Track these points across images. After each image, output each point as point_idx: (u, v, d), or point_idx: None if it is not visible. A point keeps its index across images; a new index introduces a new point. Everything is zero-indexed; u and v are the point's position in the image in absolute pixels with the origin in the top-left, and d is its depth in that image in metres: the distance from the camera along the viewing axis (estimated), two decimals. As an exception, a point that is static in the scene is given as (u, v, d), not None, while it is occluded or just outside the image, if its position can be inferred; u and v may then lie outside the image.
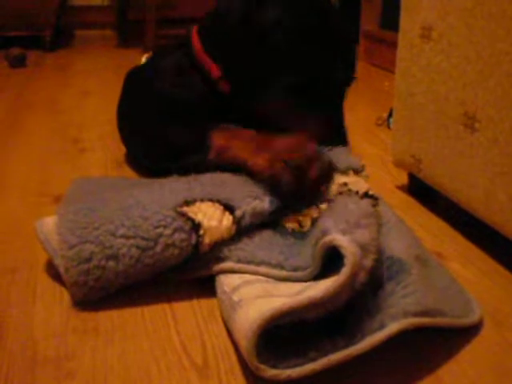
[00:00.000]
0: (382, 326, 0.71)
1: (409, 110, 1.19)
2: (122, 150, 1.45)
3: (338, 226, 0.73)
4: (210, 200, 0.88)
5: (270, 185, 0.92)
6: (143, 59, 1.78)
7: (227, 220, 0.86)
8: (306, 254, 0.81)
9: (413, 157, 1.19)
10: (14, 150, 1.51)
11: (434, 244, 1.06)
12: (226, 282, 0.82)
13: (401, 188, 1.31)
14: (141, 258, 0.83)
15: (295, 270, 0.81)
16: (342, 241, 0.71)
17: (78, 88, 2.22)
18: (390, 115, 1.63)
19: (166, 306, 0.86)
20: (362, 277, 0.71)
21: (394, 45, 1.28)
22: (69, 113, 1.89)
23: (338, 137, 1.08)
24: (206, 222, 0.84)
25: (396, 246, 0.84)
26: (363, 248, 0.72)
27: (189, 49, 1.20)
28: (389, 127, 1.67)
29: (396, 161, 1.27)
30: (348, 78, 1.13)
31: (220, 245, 0.86)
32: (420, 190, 1.24)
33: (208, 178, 0.97)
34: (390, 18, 2.64)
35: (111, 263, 0.82)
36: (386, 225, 0.90)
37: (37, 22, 2.91)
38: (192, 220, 0.84)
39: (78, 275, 0.82)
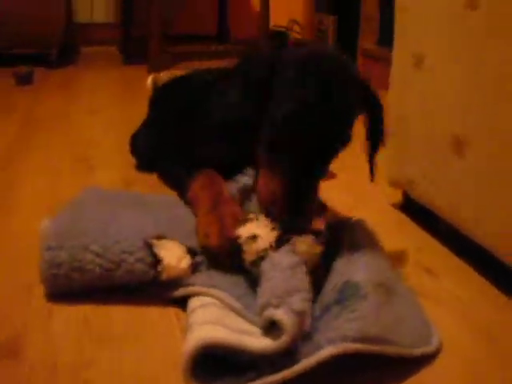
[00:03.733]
0: (318, 349, 0.77)
1: (402, 134, 1.26)
2: (131, 167, 1.51)
3: (272, 301, 0.79)
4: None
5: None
6: (149, 80, 1.85)
7: (185, 263, 0.95)
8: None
9: (406, 177, 1.26)
10: (25, 168, 1.58)
11: (425, 260, 1.13)
12: (189, 304, 0.90)
13: (396, 206, 1.38)
14: (102, 276, 0.94)
15: (247, 307, 0.87)
16: (278, 315, 0.77)
17: (85, 106, 2.29)
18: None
19: (172, 315, 0.94)
20: (299, 337, 0.77)
21: (391, 62, 1.32)
22: (77, 131, 1.96)
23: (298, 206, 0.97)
24: (166, 260, 0.94)
25: (357, 273, 0.89)
26: (299, 314, 0.78)
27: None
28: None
29: (391, 180, 1.34)
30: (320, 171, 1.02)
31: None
32: (414, 209, 1.31)
33: (188, 214, 1.10)
34: (388, 36, 2.72)
35: (76, 275, 0.94)
36: (355, 252, 0.96)
37: (43, 40, 2.98)
38: (154, 255, 0.94)
39: (48, 276, 0.95)
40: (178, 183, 1.24)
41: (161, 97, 1.62)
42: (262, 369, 0.75)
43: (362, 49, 2.95)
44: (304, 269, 0.88)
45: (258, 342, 0.77)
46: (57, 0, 3.00)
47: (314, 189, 0.99)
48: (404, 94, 1.24)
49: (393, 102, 1.29)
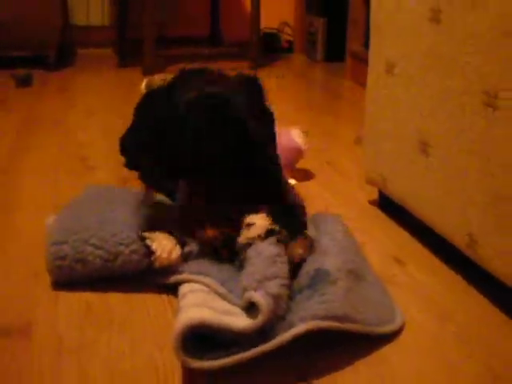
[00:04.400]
0: (291, 326, 0.88)
1: (376, 135, 1.37)
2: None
3: (252, 285, 0.90)
4: (169, 232, 1.08)
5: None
6: (143, 84, 1.95)
7: (176, 253, 1.06)
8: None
9: (380, 175, 1.37)
10: (26, 168, 1.69)
11: (395, 251, 1.24)
12: (181, 290, 1.01)
13: (372, 202, 1.49)
14: (102, 267, 1.06)
15: (231, 291, 0.97)
16: (256, 297, 0.88)
17: (83, 107, 2.39)
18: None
19: (166, 303, 1.05)
20: (273, 319, 0.88)
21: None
22: (75, 132, 2.06)
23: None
24: (158, 252, 1.05)
25: (328, 261, 1.01)
26: (275, 297, 0.89)
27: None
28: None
29: (367, 178, 1.45)
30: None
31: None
32: (388, 205, 1.42)
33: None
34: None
35: (79, 266, 1.06)
36: (328, 242, 1.08)
37: (41, 43, 3.07)
38: (148, 247, 1.05)
39: (53, 267, 1.07)
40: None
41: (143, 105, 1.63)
42: (242, 345, 0.86)
43: (350, 51, 3.06)
44: (285, 259, 0.99)
45: (238, 321, 0.88)
46: (54, 3, 3.08)
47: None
48: (377, 97, 1.35)
49: (368, 103, 1.39)
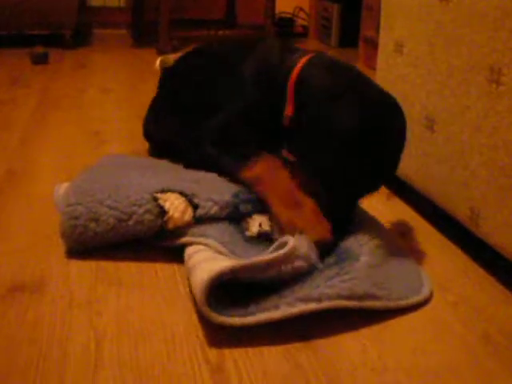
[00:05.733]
0: (319, 300, 0.91)
1: (384, 113, 1.39)
2: (139, 141, 1.65)
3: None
4: (181, 193, 1.10)
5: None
6: (157, 62, 1.99)
7: (188, 215, 1.08)
8: (245, 249, 1.02)
9: (387, 153, 1.39)
10: (43, 143, 1.73)
11: (400, 225, 1.27)
12: (186, 252, 1.05)
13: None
14: (115, 226, 1.07)
15: (232, 252, 1.01)
16: (291, 239, 0.94)
17: (97, 85, 2.43)
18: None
19: (175, 267, 1.08)
20: (291, 267, 0.92)
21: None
22: (90, 107, 2.10)
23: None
24: (171, 211, 1.07)
25: (354, 237, 1.05)
26: (302, 253, 0.94)
27: (283, 69, 1.18)
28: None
29: (374, 156, 1.47)
30: (372, 188, 1.11)
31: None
32: (392, 181, 1.45)
33: (190, 174, 1.22)
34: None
35: (92, 224, 1.08)
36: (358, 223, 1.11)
37: (58, 22, 3.11)
38: (161, 207, 1.07)
39: (67, 228, 1.09)
40: (220, 164, 1.21)
41: (172, 74, 1.56)
42: (263, 305, 0.90)
43: (363, 36, 3.07)
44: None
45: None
46: (71, -16, 3.13)
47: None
48: (387, 76, 1.38)
49: (378, 82, 1.41)
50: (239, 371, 0.83)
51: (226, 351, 0.87)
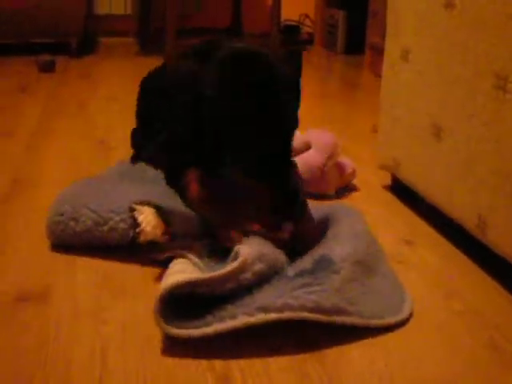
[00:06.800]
0: (280, 311, 0.88)
1: (390, 120, 1.39)
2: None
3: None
4: (158, 208, 1.10)
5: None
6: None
7: (160, 229, 1.07)
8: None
9: (393, 160, 1.39)
10: (48, 150, 1.73)
11: (405, 233, 1.26)
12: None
13: (386, 187, 1.51)
14: (91, 229, 1.12)
15: (208, 266, 1.00)
16: (241, 248, 0.94)
17: (104, 92, 2.44)
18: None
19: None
20: (249, 276, 0.92)
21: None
22: (96, 115, 2.10)
23: (288, 201, 1.04)
24: (143, 225, 1.07)
25: (336, 249, 0.99)
26: (258, 255, 0.93)
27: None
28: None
29: (380, 164, 1.47)
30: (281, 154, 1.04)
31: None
32: (401, 189, 1.44)
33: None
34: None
35: (72, 223, 1.13)
36: (343, 229, 1.07)
37: (64, 30, 3.13)
38: (135, 218, 1.08)
39: (52, 223, 1.15)
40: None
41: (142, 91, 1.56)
42: (220, 315, 0.88)
43: (369, 42, 3.07)
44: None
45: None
46: (77, -8, 3.15)
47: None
48: (392, 82, 1.38)
49: (383, 89, 1.42)
50: (245, 381, 0.82)
51: (233, 360, 0.86)
